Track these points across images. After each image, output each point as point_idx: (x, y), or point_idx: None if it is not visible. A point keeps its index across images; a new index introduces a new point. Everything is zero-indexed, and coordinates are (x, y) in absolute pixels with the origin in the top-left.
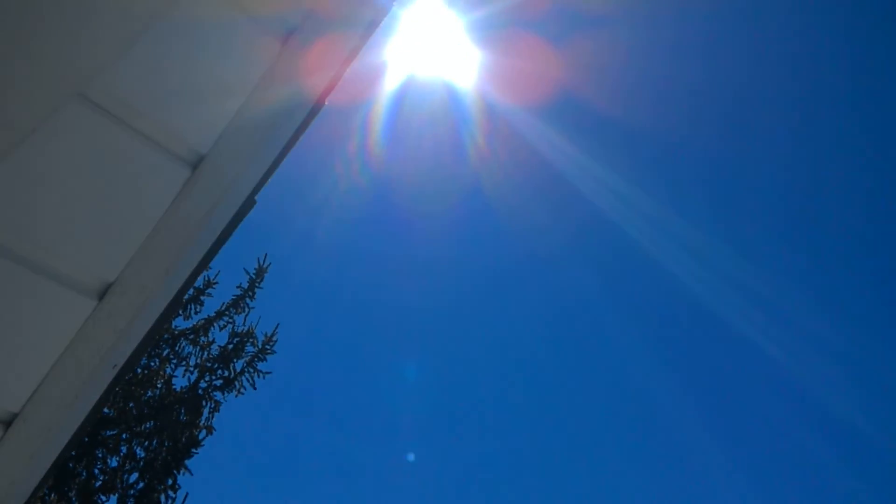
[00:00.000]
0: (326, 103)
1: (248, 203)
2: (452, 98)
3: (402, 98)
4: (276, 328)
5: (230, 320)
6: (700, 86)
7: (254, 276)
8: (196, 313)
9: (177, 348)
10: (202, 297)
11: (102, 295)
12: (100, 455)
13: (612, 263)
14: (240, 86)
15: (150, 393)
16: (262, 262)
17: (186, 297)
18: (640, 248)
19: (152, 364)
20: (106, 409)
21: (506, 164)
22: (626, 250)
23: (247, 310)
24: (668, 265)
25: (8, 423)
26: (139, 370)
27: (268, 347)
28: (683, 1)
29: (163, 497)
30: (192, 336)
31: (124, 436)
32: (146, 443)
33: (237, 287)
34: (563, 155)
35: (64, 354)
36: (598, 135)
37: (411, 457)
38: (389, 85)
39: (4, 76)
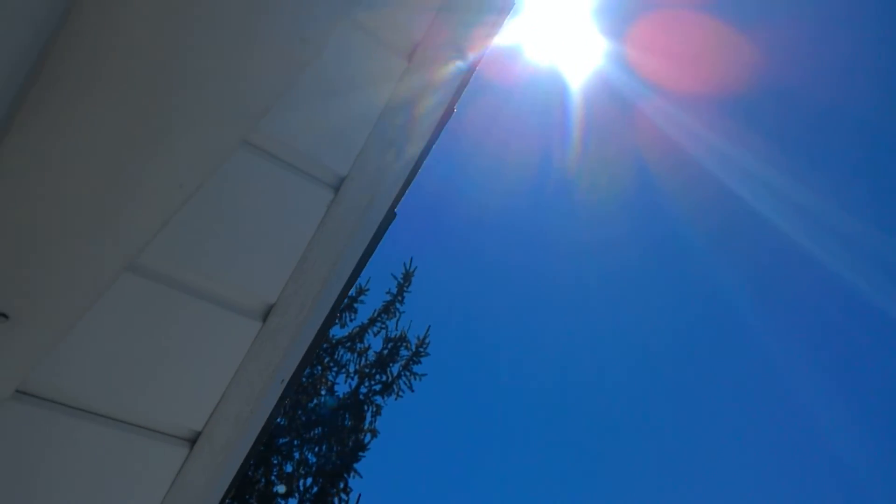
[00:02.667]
0: (455, 110)
1: (389, 216)
2: (588, 87)
3: (533, 90)
4: (427, 330)
5: (383, 326)
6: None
7: (402, 281)
8: (351, 321)
9: (336, 356)
10: (355, 305)
11: (266, 316)
12: (276, 462)
13: (765, 262)
14: (371, 106)
15: (315, 401)
16: (408, 267)
17: (340, 307)
18: (796, 245)
19: (315, 372)
20: (278, 419)
21: (651, 157)
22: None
23: (398, 314)
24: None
25: (193, 441)
26: (304, 380)
27: (421, 350)
28: None
29: (336, 500)
30: (348, 343)
31: (296, 442)
32: (316, 448)
33: (386, 293)
34: (706, 145)
35: (237, 374)
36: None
37: None
38: (518, 77)
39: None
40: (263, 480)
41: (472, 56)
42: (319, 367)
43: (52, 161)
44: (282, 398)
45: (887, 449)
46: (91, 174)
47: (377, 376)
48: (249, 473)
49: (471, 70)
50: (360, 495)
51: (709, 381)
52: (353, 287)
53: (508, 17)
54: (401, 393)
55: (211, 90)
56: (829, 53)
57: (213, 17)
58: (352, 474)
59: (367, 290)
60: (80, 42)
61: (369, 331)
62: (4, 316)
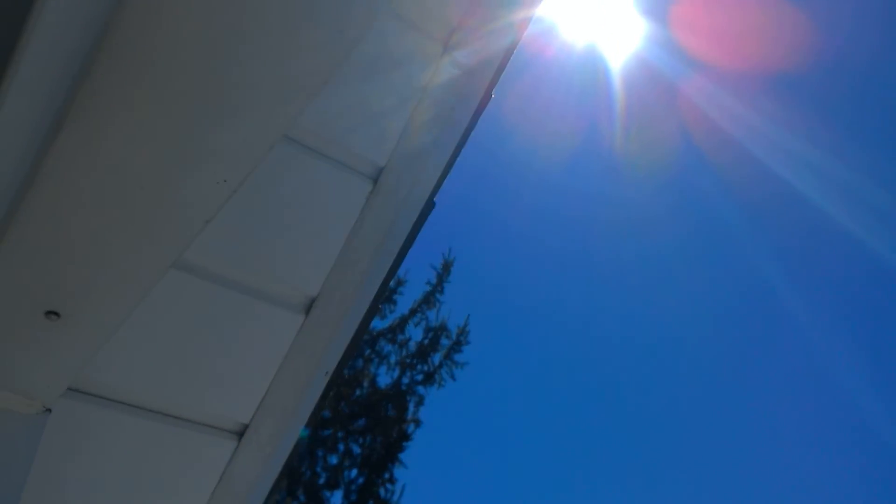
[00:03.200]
0: (493, 95)
1: (428, 206)
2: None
3: (572, 70)
4: (466, 319)
5: (423, 316)
6: None
7: (441, 272)
8: (391, 312)
9: (377, 347)
10: (394, 297)
11: (309, 309)
12: (320, 454)
13: (805, 242)
14: (407, 95)
15: (357, 392)
16: (447, 257)
17: (382, 299)
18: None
19: (357, 364)
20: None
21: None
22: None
23: (437, 305)
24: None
25: (241, 434)
26: (346, 371)
27: (461, 339)
28: None
29: (382, 490)
30: (389, 335)
31: (340, 434)
32: (360, 439)
33: (426, 283)
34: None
35: (282, 367)
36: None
37: None
38: (556, 57)
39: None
40: (309, 473)
41: (508, 39)
42: (361, 360)
43: (98, 161)
44: (326, 390)
45: None
46: (137, 174)
47: (419, 366)
48: (295, 465)
49: (508, 54)
50: (404, 485)
51: (749, 364)
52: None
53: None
54: (443, 382)
55: (254, 81)
56: (877, 29)
57: (257, 6)
58: (396, 464)
59: (406, 281)
60: (126, 41)
61: (410, 322)
62: (56, 314)
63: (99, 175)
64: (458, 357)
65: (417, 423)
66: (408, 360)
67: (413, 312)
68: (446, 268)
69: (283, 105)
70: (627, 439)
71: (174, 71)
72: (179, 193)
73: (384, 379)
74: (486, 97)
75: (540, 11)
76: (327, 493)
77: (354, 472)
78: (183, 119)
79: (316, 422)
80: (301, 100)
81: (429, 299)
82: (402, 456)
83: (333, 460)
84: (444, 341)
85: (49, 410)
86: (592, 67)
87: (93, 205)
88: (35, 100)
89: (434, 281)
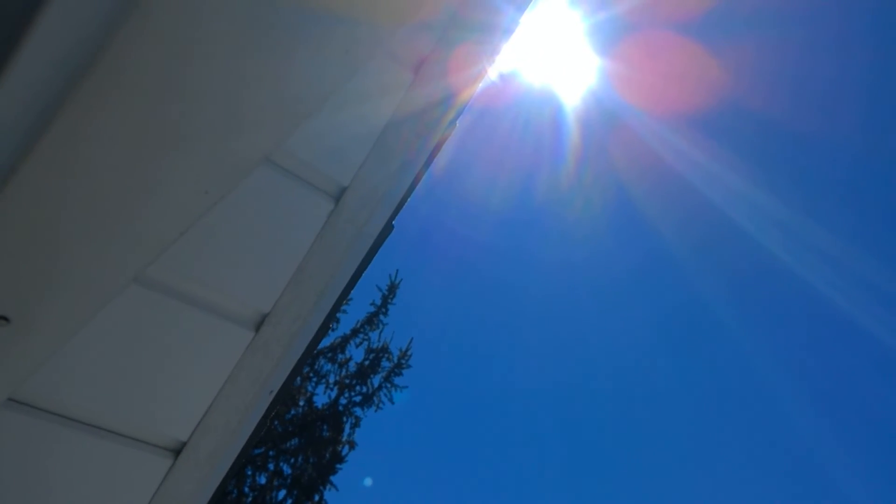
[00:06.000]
0: (457, 125)
1: (387, 229)
2: (580, 105)
3: (525, 109)
4: (409, 343)
5: (365, 337)
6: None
7: (386, 293)
8: (333, 331)
9: (316, 366)
10: (337, 315)
11: (259, 326)
12: (249, 473)
13: (744, 272)
14: (376, 118)
15: (293, 411)
16: (393, 279)
17: (333, 319)
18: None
19: (294, 383)
20: None
21: (637, 170)
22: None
23: (381, 326)
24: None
25: (178, 452)
26: None
27: (403, 362)
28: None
29: None
30: (329, 354)
31: (271, 453)
32: (292, 460)
33: (370, 304)
34: (689, 160)
35: (226, 384)
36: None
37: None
38: (513, 95)
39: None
40: (235, 492)
41: (476, 72)
42: (299, 378)
43: (76, 168)
44: (270, 409)
45: (862, 455)
46: (115, 179)
47: (357, 387)
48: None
49: (475, 86)
50: None
51: (692, 393)
52: None
53: (512, 36)
54: (381, 405)
55: (251, 99)
56: (808, 74)
57: (245, 32)
58: (328, 487)
59: (350, 300)
60: (111, 56)
61: (351, 342)
62: (5, 319)
63: (75, 180)
64: (398, 380)
65: (352, 445)
66: (347, 381)
67: (355, 332)
68: (392, 289)
69: (275, 124)
70: (564, 466)
71: (157, 85)
72: (158, 201)
73: (321, 398)
74: (451, 127)
75: (506, 50)
76: None
77: (283, 493)
78: (163, 130)
79: (255, 442)
80: (294, 121)
81: (372, 320)
82: (333, 478)
83: (262, 480)
84: (385, 363)
85: None
86: (545, 106)
87: (65, 211)
88: (14, 106)
89: (379, 302)
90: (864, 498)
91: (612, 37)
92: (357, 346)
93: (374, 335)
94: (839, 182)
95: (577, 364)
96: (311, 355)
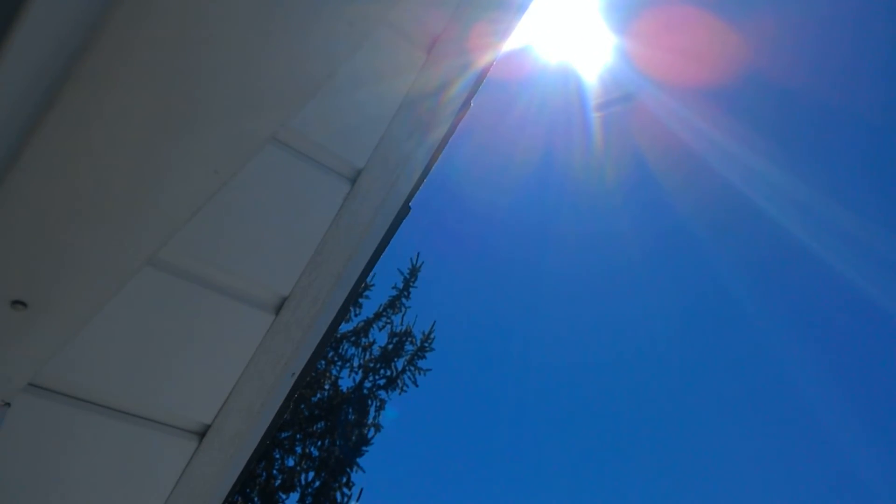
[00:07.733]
0: (472, 104)
1: (404, 210)
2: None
3: (543, 86)
4: (432, 326)
5: (388, 321)
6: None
7: (408, 276)
8: (356, 315)
9: (340, 350)
10: (360, 300)
11: (279, 309)
12: (277, 456)
13: (764, 255)
14: (390, 98)
15: (318, 395)
16: (414, 262)
17: (353, 301)
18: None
19: (319, 367)
20: None
21: (651, 152)
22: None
23: (403, 309)
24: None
25: (202, 434)
26: None
27: (426, 345)
28: None
29: (338, 494)
30: (353, 338)
31: (298, 436)
32: (319, 442)
33: (392, 287)
34: (709, 141)
35: (248, 367)
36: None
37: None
38: (528, 73)
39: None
40: (265, 475)
41: (489, 51)
42: (323, 362)
43: (84, 149)
44: (292, 392)
45: (886, 445)
46: (125, 160)
47: (381, 371)
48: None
49: (488, 64)
50: (361, 490)
51: (710, 376)
52: None
53: (525, 14)
54: (405, 388)
55: (257, 78)
56: (830, 49)
57: (248, 6)
58: (354, 468)
59: (373, 284)
60: (115, 32)
61: (374, 325)
62: (23, 304)
63: (84, 162)
64: (421, 363)
65: (378, 427)
66: (371, 364)
67: (378, 316)
68: (413, 273)
69: (282, 101)
70: (589, 447)
71: (164, 64)
72: (168, 181)
73: (346, 382)
74: (465, 106)
75: (519, 27)
76: (283, 496)
77: (311, 474)
78: (179, 107)
79: (279, 424)
80: (300, 97)
81: (395, 304)
82: (360, 460)
83: (290, 462)
84: (409, 347)
85: (8, 405)
86: (562, 83)
87: (76, 192)
88: (18, 84)
89: (401, 285)
90: (891, 490)
91: (629, 11)
92: (380, 330)
93: (396, 318)
94: (863, 160)
95: (598, 347)
96: (331, 338)
